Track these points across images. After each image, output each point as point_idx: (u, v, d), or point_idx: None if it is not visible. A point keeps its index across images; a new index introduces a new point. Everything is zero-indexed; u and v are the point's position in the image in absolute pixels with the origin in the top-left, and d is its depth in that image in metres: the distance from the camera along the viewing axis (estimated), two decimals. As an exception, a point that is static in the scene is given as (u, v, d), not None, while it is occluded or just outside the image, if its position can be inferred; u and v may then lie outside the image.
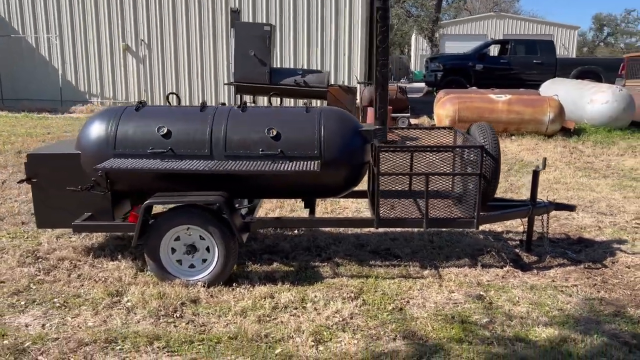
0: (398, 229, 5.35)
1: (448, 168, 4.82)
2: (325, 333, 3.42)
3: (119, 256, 4.65)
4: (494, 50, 25.18)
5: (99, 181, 4.38)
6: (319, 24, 14.81)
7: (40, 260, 4.58)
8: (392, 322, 3.56)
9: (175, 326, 3.52)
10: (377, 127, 4.62)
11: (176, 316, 3.66)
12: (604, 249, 5.02)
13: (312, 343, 3.28)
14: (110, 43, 15.42)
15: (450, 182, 4.78)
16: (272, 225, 4.48)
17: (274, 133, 4.33)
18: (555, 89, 13.69)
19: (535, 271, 4.49)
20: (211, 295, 3.97)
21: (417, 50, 42.57)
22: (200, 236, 4.17)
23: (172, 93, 5.36)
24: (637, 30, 57.41)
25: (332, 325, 3.51)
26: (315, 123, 4.40)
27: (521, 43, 22.90)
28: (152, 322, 3.54)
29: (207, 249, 4.19)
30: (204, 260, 4.21)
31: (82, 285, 4.08)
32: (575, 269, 4.54)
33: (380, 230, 5.28)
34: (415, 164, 4.73)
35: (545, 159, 4.66)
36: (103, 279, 4.21)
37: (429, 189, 4.67)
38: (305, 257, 4.76)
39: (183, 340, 3.30)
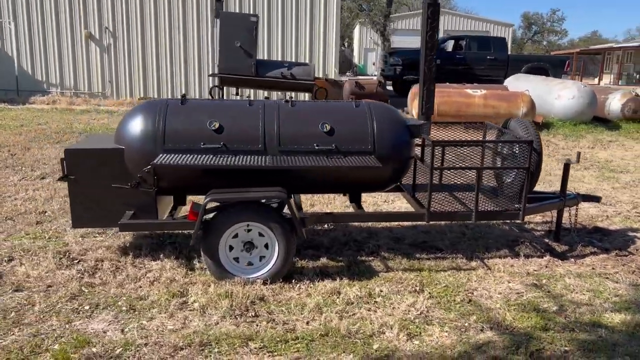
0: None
1: (477, 161, 4.98)
2: (412, 327, 3.45)
3: (161, 255, 4.47)
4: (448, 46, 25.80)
5: (146, 178, 4.19)
6: (293, 16, 14.67)
7: (77, 261, 4.33)
8: (470, 314, 3.64)
9: (257, 325, 3.44)
10: (423, 122, 4.69)
11: (251, 315, 3.58)
12: (623, 237, 5.33)
13: (405, 337, 3.31)
14: (71, 30, 14.62)
15: (489, 176, 4.92)
16: (325, 221, 4.45)
17: (328, 128, 4.29)
18: (520, 84, 14.28)
19: (572, 260, 4.71)
20: (276, 293, 3.91)
21: (361, 44, 43.05)
22: (260, 233, 4.08)
23: (217, 86, 5.18)
24: (561, 29, 60.66)
25: (414, 319, 3.55)
26: (367, 118, 4.40)
27: (475, 39, 23.63)
28: (232, 322, 3.44)
29: (266, 246, 4.11)
30: (262, 257, 4.13)
31: (140, 287, 3.90)
32: (607, 257, 4.80)
33: (410, 223, 5.36)
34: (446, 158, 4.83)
35: (579, 153, 4.88)
36: (155, 279, 4.04)
37: (462, 182, 4.81)
38: (348, 252, 4.76)
39: (277, 339, 3.24)
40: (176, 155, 4.08)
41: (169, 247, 4.72)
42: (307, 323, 3.50)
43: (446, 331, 3.40)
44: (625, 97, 13.13)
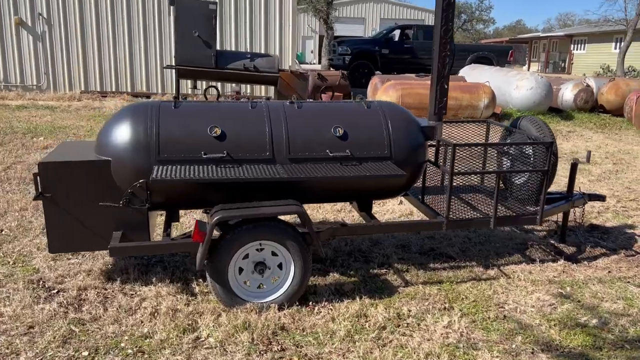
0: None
1: (480, 163, 4.77)
2: (458, 353, 3.15)
3: (153, 279, 3.94)
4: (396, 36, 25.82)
5: (138, 193, 3.64)
6: (247, 3, 14.00)
7: (56, 292, 3.72)
8: (514, 334, 3.38)
9: (290, 363, 3.02)
10: (435, 123, 4.38)
11: (278, 349, 3.15)
12: (623, 235, 5.29)
13: (457, 367, 3.01)
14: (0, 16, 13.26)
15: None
16: (340, 234, 4.06)
17: (341, 132, 3.90)
18: (475, 75, 14.37)
19: (586, 263, 4.59)
20: (296, 319, 3.49)
21: (298, 32, 42.52)
22: (273, 252, 3.64)
23: (212, 86, 4.63)
24: (489, 18, 62.66)
25: (457, 344, 3.25)
26: (382, 120, 4.04)
27: (422, 29, 23.78)
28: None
29: (279, 266, 3.68)
30: (275, 279, 3.69)
31: (142, 322, 3.36)
32: (618, 257, 4.71)
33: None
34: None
35: (590, 152, 4.74)
36: (154, 310, 3.51)
37: (465, 185, 4.57)
38: (356, 264, 4.41)
39: (321, 381, 2.84)
40: (173, 167, 3.55)
41: (158, 267, 4.19)
42: (344, 355, 3.12)
43: (497, 357, 3.12)
44: (577, 88, 13.49)
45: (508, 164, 4.78)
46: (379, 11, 43.10)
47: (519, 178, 4.64)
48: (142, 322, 3.36)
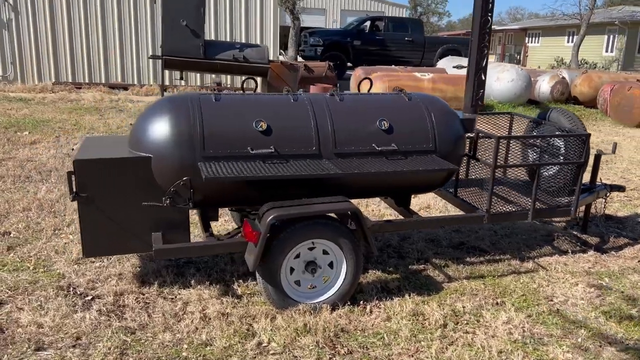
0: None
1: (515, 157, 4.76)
2: (529, 349, 3.11)
3: (191, 281, 3.73)
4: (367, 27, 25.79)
5: (181, 192, 3.42)
6: (225, -7, 13.62)
7: (91, 299, 3.47)
8: (574, 328, 3.37)
9: (363, 367, 2.91)
10: (472, 115, 4.33)
11: (345, 352, 3.03)
12: (638, 225, 5.40)
13: (532, 364, 2.96)
14: (-39, 2, 12.44)
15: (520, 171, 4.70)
16: (386, 230, 3.96)
17: (387, 125, 3.79)
18: (452, 66, 14.48)
19: (614, 253, 4.65)
20: (352, 320, 3.38)
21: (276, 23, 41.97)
22: (324, 250, 3.51)
23: (251, 77, 4.42)
24: (445, 11, 63.57)
25: (525, 340, 3.20)
26: (425, 113, 3.95)
27: (393, 21, 23.83)
28: (334, 366, 2.88)
29: (330, 265, 3.55)
30: (326, 278, 3.56)
31: (197, 329, 3.16)
32: (642, 247, 4.81)
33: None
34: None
35: (615, 144, 4.79)
36: (203, 314, 3.32)
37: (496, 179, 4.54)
38: (392, 260, 4.33)
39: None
40: (220, 164, 3.36)
41: (191, 268, 3.98)
42: (414, 356, 3.03)
43: (567, 352, 3.10)
44: (554, 80, 13.79)
45: (535, 156, 4.78)
46: (340, 2, 42.95)
47: (548, 170, 4.64)
48: (196, 328, 3.17)
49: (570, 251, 4.58)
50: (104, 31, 13.14)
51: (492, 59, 43.39)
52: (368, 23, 22.85)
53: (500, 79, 12.88)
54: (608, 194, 4.98)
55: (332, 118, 3.71)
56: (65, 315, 3.23)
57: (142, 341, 3.04)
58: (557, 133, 4.36)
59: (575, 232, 5.12)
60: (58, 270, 3.84)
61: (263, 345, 3.06)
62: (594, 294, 3.84)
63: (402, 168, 3.54)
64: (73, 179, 3.31)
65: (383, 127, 3.77)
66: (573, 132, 4.35)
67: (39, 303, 3.37)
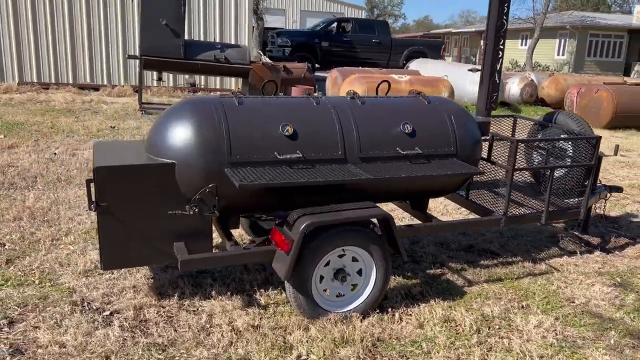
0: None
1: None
2: (567, 352, 3.12)
3: (212, 292, 3.58)
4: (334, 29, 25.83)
5: (206, 199, 3.27)
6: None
7: (109, 314, 3.27)
8: (603, 329, 3.41)
9: (409, 377, 2.84)
10: (485, 118, 4.34)
11: (387, 363, 2.97)
12: (631, 224, 5.56)
13: (574, 368, 2.97)
14: None
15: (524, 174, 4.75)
16: (407, 235, 3.90)
17: (410, 129, 3.74)
18: (429, 69, 14.66)
19: (617, 252, 4.76)
20: (384, 328, 3.31)
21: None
22: (354, 258, 3.43)
23: (271, 80, 4.27)
24: (400, 13, 64.63)
25: (561, 344, 3.22)
26: (445, 116, 3.93)
27: (360, 22, 23.94)
28: (380, 378, 2.80)
29: (359, 272, 3.47)
30: (353, 287, 3.48)
31: (230, 343, 3.02)
32: (642, 246, 4.94)
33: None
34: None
35: (617, 146, 4.91)
36: (232, 327, 3.19)
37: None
38: (407, 265, 4.29)
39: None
40: (247, 169, 3.23)
41: (208, 278, 3.83)
42: (457, 364, 2.99)
43: (605, 354, 3.12)
44: (523, 82, 14.15)
45: (540, 159, 4.84)
46: (299, 3, 42.87)
47: (558, 172, 4.71)
48: (230, 342, 3.03)
49: (578, 252, 4.66)
50: (72, 30, 12.61)
51: (448, 60, 44.37)
52: (335, 24, 22.89)
53: (473, 81, 13.09)
54: (608, 195, 5.09)
55: (357, 122, 3.63)
56: (87, 332, 3.03)
57: (177, 358, 2.88)
58: (568, 136, 4.42)
59: (576, 233, 5.22)
60: (66, 284, 3.62)
61: (302, 358, 2.95)
62: (612, 294, 3.91)
63: (432, 172, 3.51)
64: (92, 187, 3.12)
65: (406, 131, 3.73)
66: (583, 135, 4.42)
67: (54, 320, 3.15)
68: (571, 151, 4.58)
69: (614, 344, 3.25)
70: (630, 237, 5.16)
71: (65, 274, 3.75)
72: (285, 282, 3.31)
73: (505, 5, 4.13)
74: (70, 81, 12.74)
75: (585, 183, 4.49)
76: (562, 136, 4.53)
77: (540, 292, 3.90)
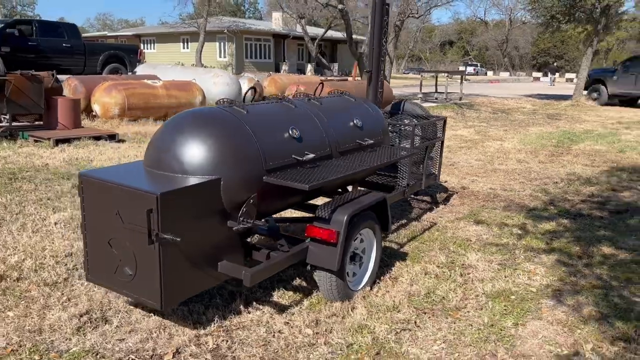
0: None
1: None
2: (506, 267, 4.32)
3: (236, 300, 3.50)
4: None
5: (250, 209, 3.24)
6: None
7: (173, 357, 2.93)
8: (508, 250, 4.76)
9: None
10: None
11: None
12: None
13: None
14: None
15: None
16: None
17: (359, 123, 4.36)
18: (162, 74, 14.61)
19: (447, 203, 6.36)
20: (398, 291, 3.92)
21: None
22: (361, 239, 3.88)
23: (252, 88, 4.04)
24: (35, 14, 60.33)
25: (500, 265, 4.40)
26: (370, 110, 4.65)
27: (43, 25, 21.50)
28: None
29: (363, 251, 3.95)
30: (361, 265, 3.95)
31: (288, 344, 3.14)
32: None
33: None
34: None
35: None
36: (272, 332, 3.30)
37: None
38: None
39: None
40: (281, 173, 3.37)
41: (215, 296, 3.66)
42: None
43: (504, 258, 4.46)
44: (252, 82, 15.50)
45: (396, 140, 6.02)
46: None
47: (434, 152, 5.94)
48: (310, 343, 3.16)
49: (434, 207, 6.05)
50: None
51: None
52: (16, 28, 19.92)
53: (217, 83, 13.78)
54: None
55: (327, 121, 4.04)
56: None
57: (300, 364, 2.90)
58: (434, 119, 5.68)
59: (415, 198, 6.63)
60: (75, 299, 2.96)
61: (376, 331, 3.33)
62: (479, 228, 5.37)
63: (395, 158, 4.21)
64: (153, 218, 2.73)
65: (358, 125, 4.32)
66: (433, 117, 5.77)
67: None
68: (419, 130, 5.87)
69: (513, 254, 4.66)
70: (443, 191, 6.85)
71: (98, 292, 3.03)
72: (317, 272, 3.54)
73: (386, 16, 5.07)
74: None
75: (435, 155, 5.87)
76: (407, 121, 5.75)
77: (449, 240, 5.04)
